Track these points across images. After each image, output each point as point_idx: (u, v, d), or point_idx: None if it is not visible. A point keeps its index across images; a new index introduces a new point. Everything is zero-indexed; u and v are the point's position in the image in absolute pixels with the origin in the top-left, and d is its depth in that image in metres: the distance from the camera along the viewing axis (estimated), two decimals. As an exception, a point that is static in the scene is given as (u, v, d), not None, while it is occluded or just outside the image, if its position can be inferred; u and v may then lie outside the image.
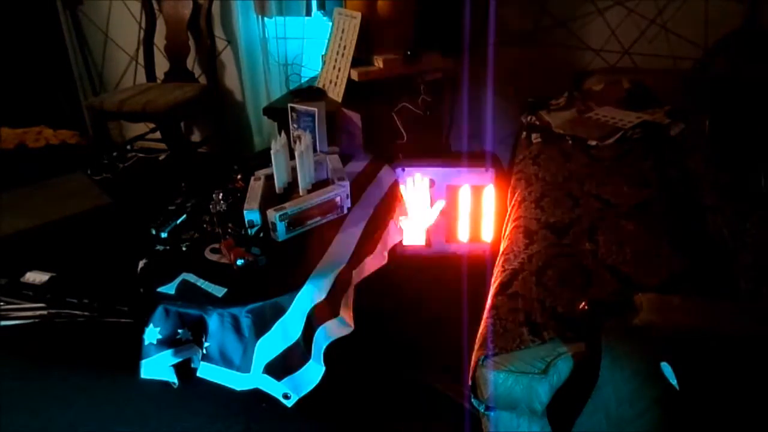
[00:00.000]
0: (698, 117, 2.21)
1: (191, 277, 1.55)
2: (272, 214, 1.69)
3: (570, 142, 2.29)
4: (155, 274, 1.59)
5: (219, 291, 1.51)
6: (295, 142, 1.93)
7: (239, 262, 1.57)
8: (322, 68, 2.59)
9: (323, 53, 2.58)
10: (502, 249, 1.77)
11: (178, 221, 1.79)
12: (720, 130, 2.12)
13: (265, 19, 3.10)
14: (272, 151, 1.88)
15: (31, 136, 2.63)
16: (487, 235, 2.51)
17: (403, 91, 2.47)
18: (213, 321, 1.47)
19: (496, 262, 1.70)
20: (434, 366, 1.96)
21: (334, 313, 1.59)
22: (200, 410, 1.81)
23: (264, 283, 1.53)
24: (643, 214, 1.74)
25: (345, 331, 1.61)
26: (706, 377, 1.13)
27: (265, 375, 1.51)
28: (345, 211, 1.86)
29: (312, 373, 1.53)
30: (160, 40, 3.23)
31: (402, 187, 2.35)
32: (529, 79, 2.84)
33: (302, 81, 3.03)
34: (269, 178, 1.95)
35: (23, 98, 3.10)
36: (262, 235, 1.73)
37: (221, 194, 1.82)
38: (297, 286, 1.51)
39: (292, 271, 1.57)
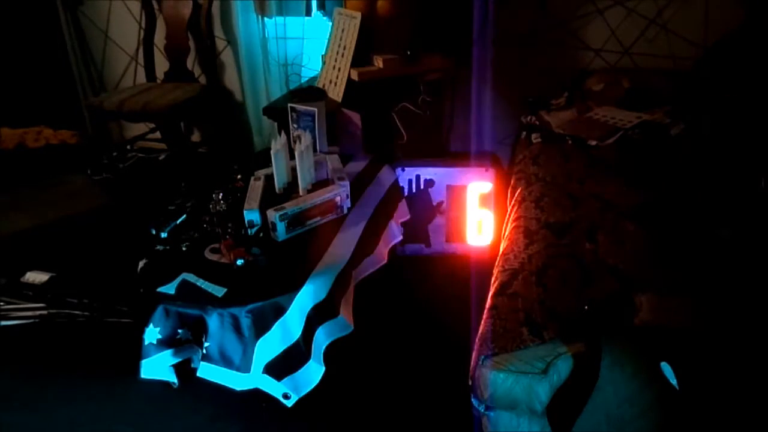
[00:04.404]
0: (698, 117, 2.21)
1: (191, 277, 1.55)
2: (272, 214, 1.69)
3: (570, 142, 2.29)
4: (155, 274, 1.59)
5: (219, 291, 1.51)
6: (295, 142, 1.93)
7: (239, 262, 1.57)
8: (322, 68, 2.59)
9: (323, 53, 2.58)
10: (502, 249, 1.77)
11: (178, 221, 1.79)
12: (720, 130, 2.12)
13: (265, 19, 3.10)
14: (272, 151, 1.88)
15: (31, 136, 2.63)
16: (487, 235, 2.52)
17: (403, 91, 2.47)
18: (213, 321, 1.47)
19: (496, 262, 1.70)
20: (434, 366, 1.96)
21: (334, 313, 1.59)
22: (200, 410, 1.81)
23: (264, 283, 1.53)
24: (643, 214, 1.74)
25: (345, 331, 1.61)
26: (706, 377, 1.13)
27: (265, 375, 1.51)
28: (345, 211, 1.86)
29: (312, 373, 1.53)
30: (160, 40, 3.23)
31: (402, 187, 2.35)
32: (529, 79, 2.84)
33: (302, 81, 3.03)
34: (269, 178, 1.95)
35: (23, 98, 3.10)
36: (262, 235, 1.73)
37: (221, 194, 1.82)
38: (297, 286, 1.51)
39: (292, 271, 1.57)
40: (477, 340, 1.39)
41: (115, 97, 3.00)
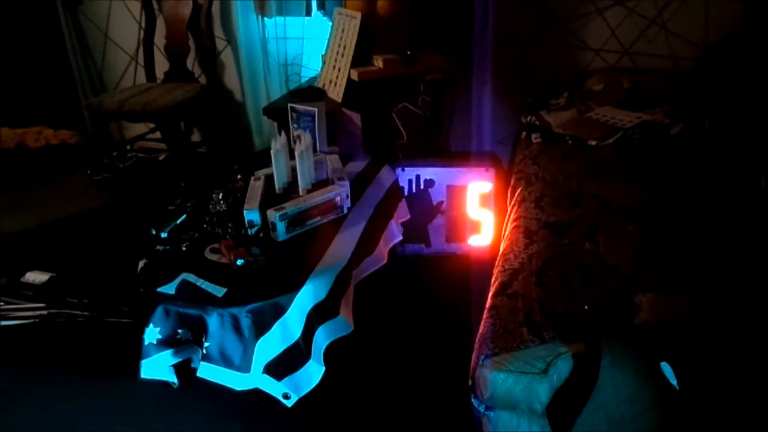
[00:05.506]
0: (698, 117, 2.21)
1: (191, 277, 1.55)
2: (272, 214, 1.69)
3: (570, 142, 2.29)
4: (155, 274, 1.59)
5: (219, 291, 1.51)
6: (295, 142, 1.93)
7: (239, 262, 1.57)
8: (322, 68, 2.59)
9: (323, 53, 2.58)
10: (502, 249, 1.77)
11: (178, 221, 1.79)
12: (720, 130, 2.12)
13: (265, 19, 3.10)
14: (272, 151, 1.88)
15: (31, 136, 2.62)
16: (487, 235, 2.52)
17: (403, 91, 2.47)
18: (213, 321, 1.47)
19: (496, 262, 1.70)
20: (434, 366, 1.96)
21: (334, 313, 1.59)
22: (200, 410, 1.81)
23: (264, 283, 1.53)
24: (643, 214, 1.74)
25: (345, 331, 1.61)
26: (706, 377, 1.13)
27: (265, 375, 1.51)
28: (345, 211, 1.86)
29: (312, 373, 1.53)
30: (160, 40, 3.23)
31: (402, 187, 2.35)
32: (529, 79, 2.84)
33: (302, 81, 3.03)
34: (269, 178, 1.95)
35: (23, 98, 3.10)
36: (262, 235, 1.73)
37: (221, 194, 1.82)
38: (297, 286, 1.51)
39: (292, 271, 1.57)
40: (477, 340, 1.39)
41: (115, 97, 3.00)
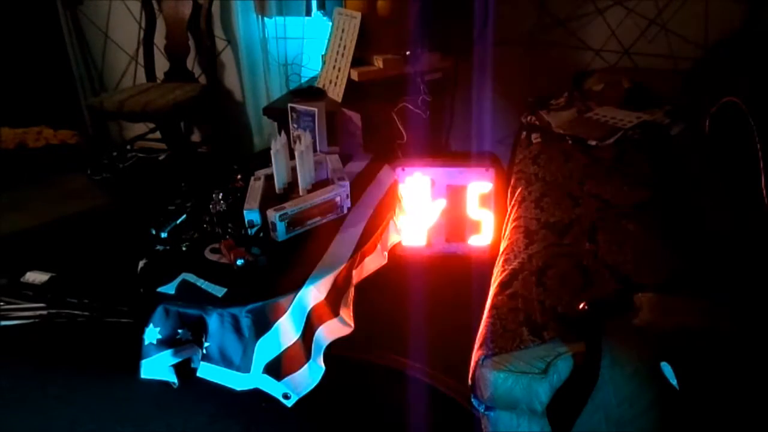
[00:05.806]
0: (698, 117, 2.20)
1: (191, 277, 1.55)
2: (272, 214, 1.69)
3: (570, 142, 2.29)
4: (155, 274, 1.59)
5: (219, 291, 1.51)
6: (295, 142, 1.93)
7: (239, 262, 1.57)
8: (322, 68, 2.59)
9: (323, 53, 2.58)
10: (502, 249, 1.77)
11: (178, 221, 1.79)
12: (720, 130, 2.12)
13: (265, 19, 3.10)
14: (272, 151, 1.88)
15: (31, 136, 2.63)
16: (487, 235, 2.51)
17: (403, 91, 2.47)
18: (213, 321, 1.47)
19: (496, 262, 1.70)
20: (434, 366, 1.96)
21: (334, 313, 1.59)
22: (200, 410, 1.81)
23: (264, 283, 1.53)
24: (643, 214, 1.74)
25: (345, 331, 1.61)
26: (706, 377, 1.13)
27: (265, 375, 1.51)
28: (345, 211, 1.86)
29: (312, 373, 1.53)
30: (160, 40, 3.23)
31: (402, 187, 2.35)
32: (529, 79, 2.84)
33: (302, 81, 3.03)
34: (269, 178, 1.95)
35: (23, 98, 3.10)
36: (262, 235, 1.73)
37: (221, 194, 1.82)
38: (297, 286, 1.51)
39: (292, 271, 1.57)
40: (477, 340, 1.39)
41: (115, 97, 3.00)
